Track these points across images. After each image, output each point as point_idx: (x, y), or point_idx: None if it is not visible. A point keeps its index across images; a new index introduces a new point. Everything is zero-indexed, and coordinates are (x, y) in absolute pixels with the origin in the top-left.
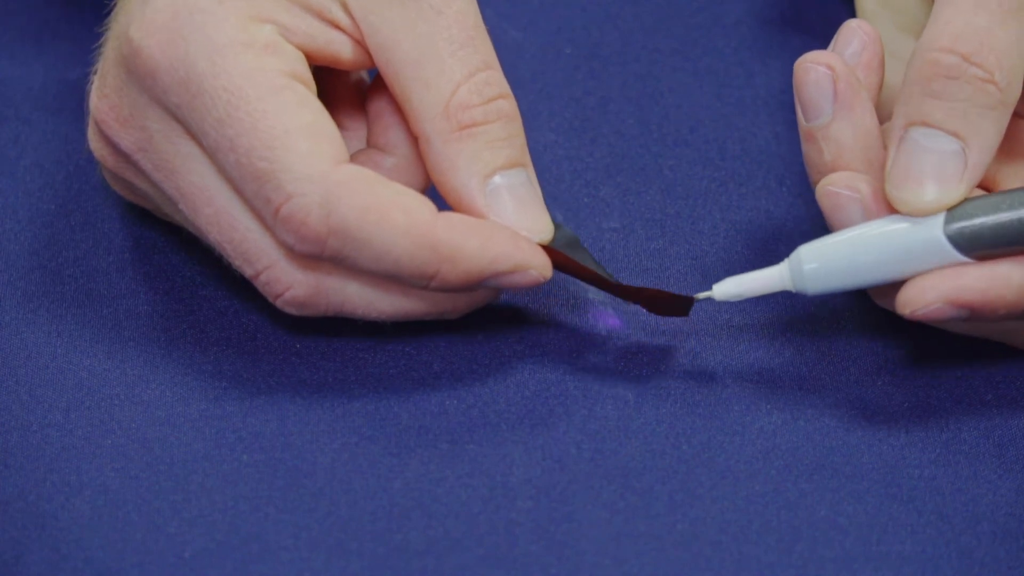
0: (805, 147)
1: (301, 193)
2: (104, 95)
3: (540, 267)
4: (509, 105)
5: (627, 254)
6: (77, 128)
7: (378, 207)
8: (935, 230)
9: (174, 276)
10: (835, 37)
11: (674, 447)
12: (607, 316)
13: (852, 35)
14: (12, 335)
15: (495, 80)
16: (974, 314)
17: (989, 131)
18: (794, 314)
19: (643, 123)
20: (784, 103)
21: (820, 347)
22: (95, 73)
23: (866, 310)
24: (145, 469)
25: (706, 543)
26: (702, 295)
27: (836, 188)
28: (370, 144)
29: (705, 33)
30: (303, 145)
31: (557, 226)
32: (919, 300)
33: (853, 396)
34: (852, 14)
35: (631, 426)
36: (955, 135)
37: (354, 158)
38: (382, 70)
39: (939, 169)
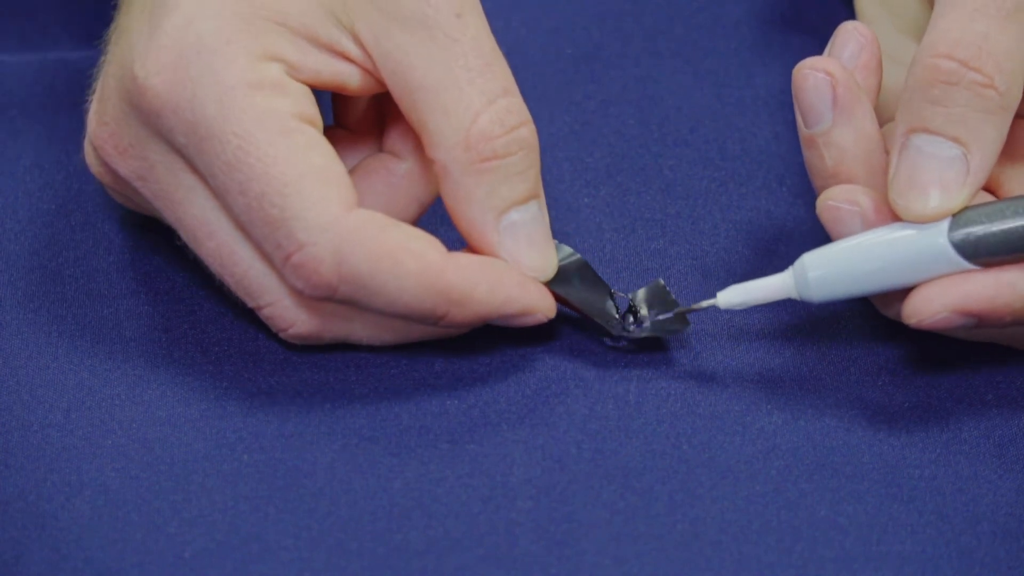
0: (806, 153)
1: (313, 242)
2: (104, 123)
3: (545, 309)
4: (529, 133)
5: (627, 254)
6: (77, 129)
7: (390, 254)
8: (939, 237)
9: (175, 276)
10: (832, 39)
11: (674, 447)
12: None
13: (849, 37)
14: (12, 335)
15: (515, 107)
16: (981, 322)
17: (990, 136)
18: (794, 315)
19: (643, 123)
20: (784, 104)
21: (820, 347)
22: (93, 94)
23: (866, 311)
24: (145, 469)
25: (706, 543)
26: (705, 304)
27: (836, 203)
28: (384, 149)
29: (705, 34)
30: (314, 191)
31: (562, 248)
32: (925, 310)
33: (853, 396)
34: (852, 15)
35: (632, 426)
36: (956, 141)
37: (367, 163)
38: (397, 97)
39: (941, 175)
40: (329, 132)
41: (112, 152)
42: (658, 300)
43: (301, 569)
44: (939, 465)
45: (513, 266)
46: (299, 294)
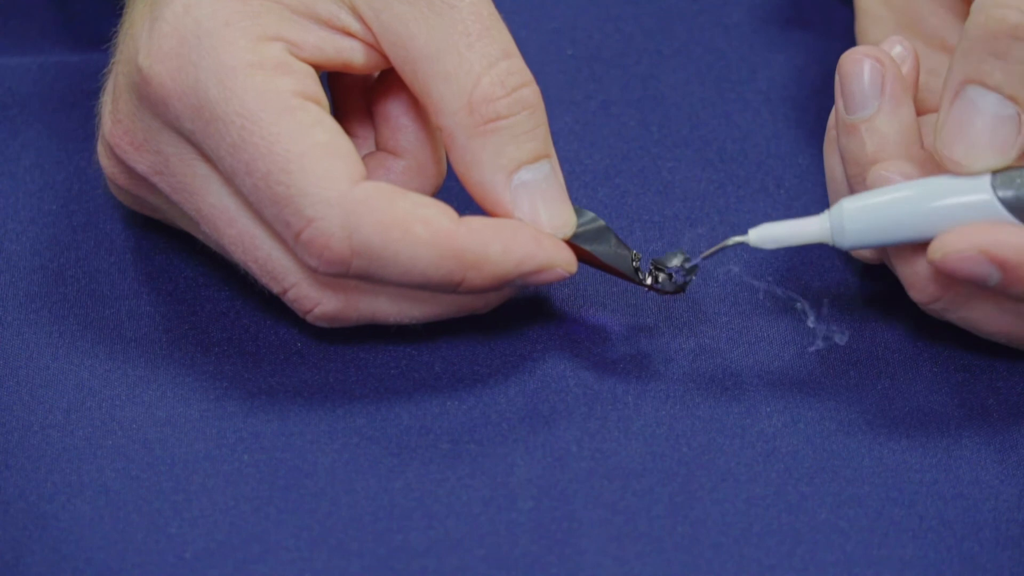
0: (844, 140)
1: (321, 217)
2: (117, 120)
3: (565, 264)
4: (532, 93)
5: None
6: (77, 130)
7: (399, 223)
8: (984, 192)
9: (176, 277)
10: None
11: (674, 449)
12: (601, 317)
13: (893, 43)
14: (14, 335)
15: (517, 68)
16: (1004, 277)
17: None
18: (794, 317)
19: (643, 124)
20: (784, 104)
21: (820, 350)
22: (104, 93)
23: (867, 314)
24: (146, 469)
25: (706, 545)
26: (736, 239)
27: (889, 174)
28: (379, 147)
29: (705, 35)
30: (319, 166)
31: (583, 212)
32: (953, 245)
33: (854, 400)
34: (852, 14)
35: (632, 427)
36: (1013, 99)
37: (365, 161)
38: (399, 68)
39: (993, 133)
40: None
41: (128, 148)
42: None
43: (302, 569)
44: (940, 470)
45: (528, 224)
46: (316, 273)
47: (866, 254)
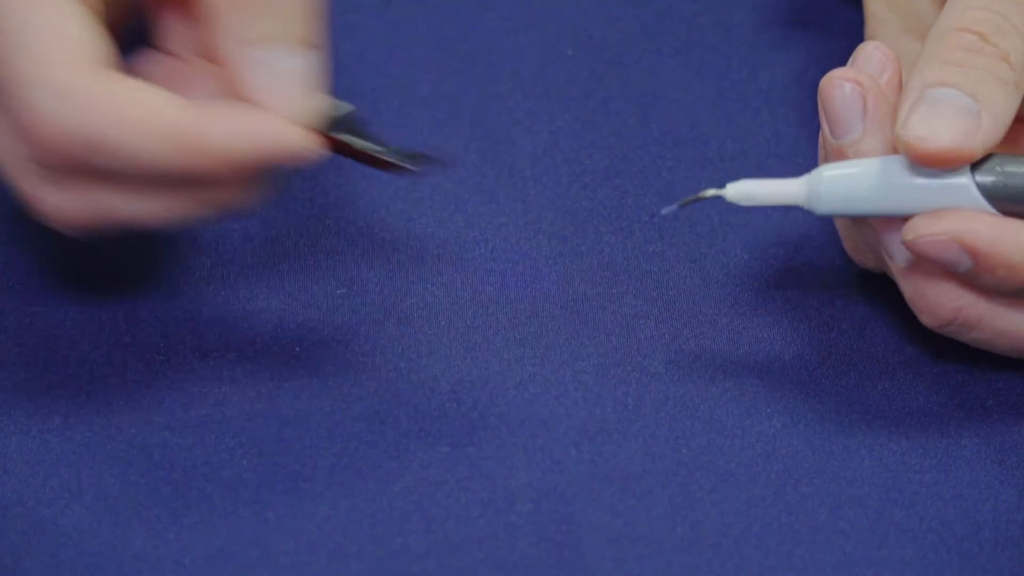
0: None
1: (34, 101)
2: None
3: (305, 147)
4: None
5: (626, 256)
6: None
7: (117, 109)
8: (963, 176)
9: (175, 280)
10: (852, 58)
11: (674, 450)
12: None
13: (871, 56)
14: (11, 339)
15: None
16: (975, 265)
17: (1003, 103)
18: (795, 317)
19: (643, 125)
20: (785, 105)
21: (820, 351)
22: None
23: (867, 314)
24: (144, 475)
25: (706, 546)
26: (713, 192)
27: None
28: (160, 48)
29: (705, 35)
30: (38, 49)
31: (341, 106)
32: (927, 227)
33: (853, 401)
34: (853, 14)
35: (631, 429)
36: (972, 96)
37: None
38: None
39: (955, 121)
40: None
41: None
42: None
43: (301, 573)
44: (939, 470)
45: (266, 109)
46: (50, 172)
47: (870, 262)
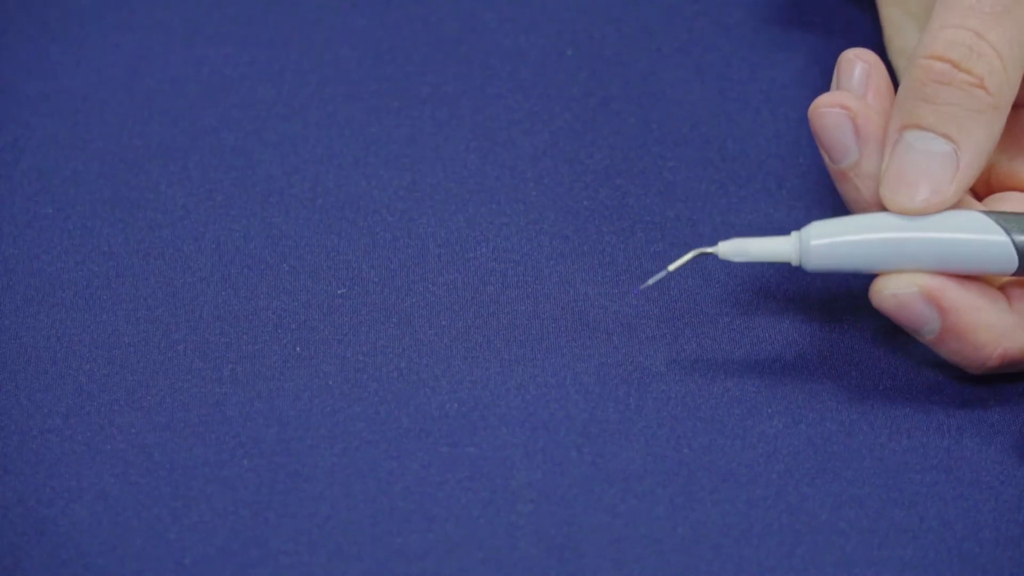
0: (841, 188)
1: None
2: None
3: None
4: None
5: (627, 257)
6: (76, 132)
7: None
8: (1000, 235)
9: (174, 280)
10: (836, 71)
11: (675, 450)
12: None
13: (852, 65)
14: (11, 339)
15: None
16: (943, 321)
17: (980, 135)
18: (796, 318)
19: (643, 125)
20: (785, 105)
21: (821, 351)
22: None
23: (867, 315)
24: (145, 475)
25: (707, 547)
26: (707, 250)
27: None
28: None
29: (706, 34)
30: None
31: None
32: (896, 283)
33: (855, 401)
34: (853, 14)
35: (632, 429)
36: (947, 137)
37: None
38: None
39: (930, 171)
40: None
41: None
42: None
43: (301, 573)
44: (940, 470)
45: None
46: None
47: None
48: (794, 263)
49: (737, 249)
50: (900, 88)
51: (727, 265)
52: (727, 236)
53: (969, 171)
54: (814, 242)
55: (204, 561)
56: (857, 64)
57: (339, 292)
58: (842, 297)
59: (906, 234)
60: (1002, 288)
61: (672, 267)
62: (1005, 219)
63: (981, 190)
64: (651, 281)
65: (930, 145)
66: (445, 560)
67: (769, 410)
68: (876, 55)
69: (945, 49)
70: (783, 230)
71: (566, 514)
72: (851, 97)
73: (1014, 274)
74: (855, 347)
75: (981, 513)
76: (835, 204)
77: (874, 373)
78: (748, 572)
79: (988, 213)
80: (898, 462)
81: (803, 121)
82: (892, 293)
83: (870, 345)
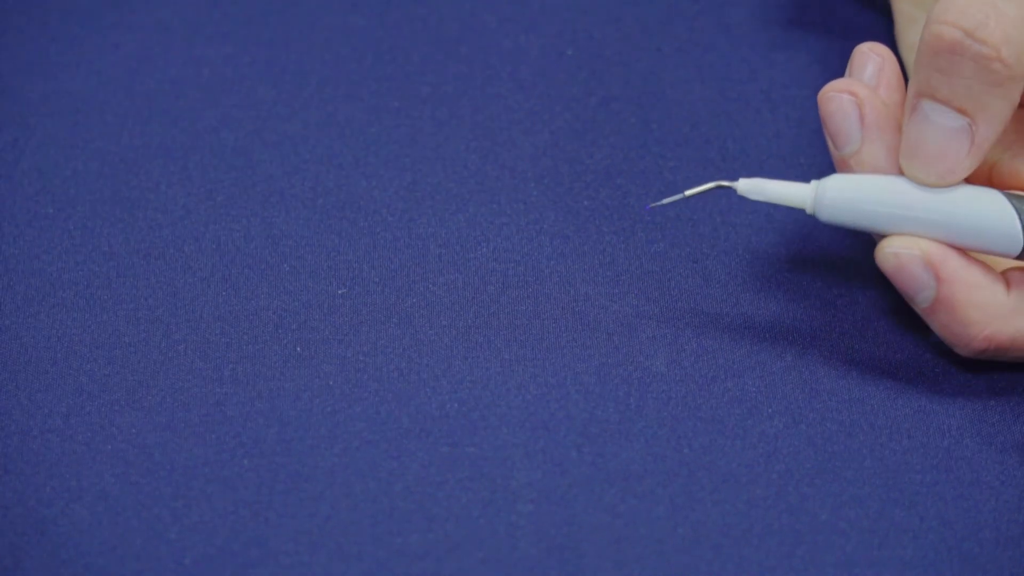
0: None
1: None
2: None
3: None
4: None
5: (628, 257)
6: (76, 132)
7: None
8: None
9: (174, 280)
10: (849, 63)
11: (675, 450)
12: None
13: (866, 59)
14: (12, 339)
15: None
16: (937, 291)
17: (996, 107)
18: (796, 318)
19: (643, 125)
20: (785, 105)
21: (822, 351)
22: None
23: (868, 315)
24: (145, 475)
25: (707, 547)
26: (726, 183)
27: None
28: None
29: (706, 34)
30: None
31: None
32: (900, 243)
33: (855, 401)
34: (853, 13)
35: (632, 429)
36: (961, 112)
37: None
38: None
39: (945, 146)
40: None
41: None
42: None
43: (302, 573)
44: (941, 470)
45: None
46: None
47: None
48: (808, 211)
49: (756, 187)
50: (917, 50)
51: (728, 265)
52: (727, 236)
53: (985, 144)
54: (830, 194)
55: (204, 561)
56: (871, 58)
57: (339, 292)
58: (843, 297)
59: (918, 200)
60: (1005, 273)
61: (689, 193)
62: (1021, 201)
63: None
64: (665, 201)
65: (945, 120)
66: (445, 560)
67: (769, 410)
68: (889, 50)
69: (959, 16)
70: (783, 229)
71: (566, 514)
72: (861, 85)
73: (1018, 257)
74: (855, 347)
75: (981, 513)
76: None
77: (873, 373)
78: (748, 572)
79: (1007, 194)
80: (898, 462)
81: (803, 121)
82: (895, 252)
83: (870, 345)
